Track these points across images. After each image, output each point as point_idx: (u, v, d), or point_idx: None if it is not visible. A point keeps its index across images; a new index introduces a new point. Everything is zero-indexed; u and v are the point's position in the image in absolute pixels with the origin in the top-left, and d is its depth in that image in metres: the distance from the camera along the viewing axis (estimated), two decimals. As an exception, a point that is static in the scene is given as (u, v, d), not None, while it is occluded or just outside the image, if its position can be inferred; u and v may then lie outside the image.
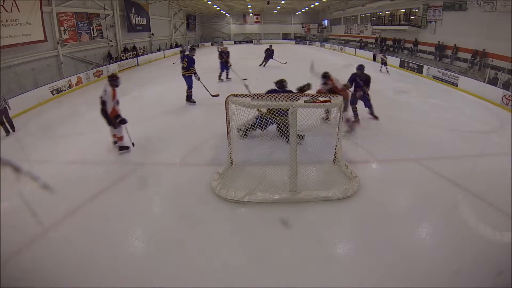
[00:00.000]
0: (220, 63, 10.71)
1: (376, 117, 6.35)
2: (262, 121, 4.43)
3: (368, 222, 3.22)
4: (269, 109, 4.26)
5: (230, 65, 10.57)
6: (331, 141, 4.32)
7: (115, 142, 5.04)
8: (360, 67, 6.11)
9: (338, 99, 3.89)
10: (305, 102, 3.96)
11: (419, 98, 8.90)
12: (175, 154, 4.89)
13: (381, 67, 13.65)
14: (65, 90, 10.11)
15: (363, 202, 3.56)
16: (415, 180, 4.12)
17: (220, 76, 10.78)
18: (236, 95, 3.83)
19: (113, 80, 4.64)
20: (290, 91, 5.01)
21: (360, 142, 5.24)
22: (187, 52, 7.61)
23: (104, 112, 4.56)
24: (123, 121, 4.76)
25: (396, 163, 4.64)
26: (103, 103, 4.52)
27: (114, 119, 4.67)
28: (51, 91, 9.40)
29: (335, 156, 4.32)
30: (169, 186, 3.97)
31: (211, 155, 4.78)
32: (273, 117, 4.14)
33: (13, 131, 6.26)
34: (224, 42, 34.48)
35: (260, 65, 14.45)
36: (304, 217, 3.28)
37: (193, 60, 7.46)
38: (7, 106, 6.29)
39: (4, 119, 6.19)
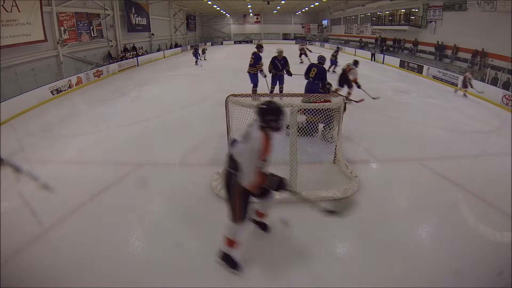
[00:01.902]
0: (273, 76, 7.39)
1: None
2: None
3: (368, 222, 3.22)
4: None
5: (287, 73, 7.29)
6: (333, 141, 4.31)
7: (256, 222, 2.97)
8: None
9: (338, 99, 3.89)
10: (305, 102, 3.96)
11: (419, 98, 8.90)
12: (175, 154, 4.89)
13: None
14: (65, 90, 10.12)
15: (363, 202, 3.55)
16: (415, 180, 4.11)
17: (272, 91, 7.54)
18: (236, 95, 3.83)
19: (267, 118, 2.20)
20: (323, 68, 6.25)
21: (360, 142, 5.24)
22: (254, 50, 7.31)
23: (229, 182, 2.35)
24: (282, 185, 2.39)
25: (396, 163, 4.64)
26: (232, 162, 2.30)
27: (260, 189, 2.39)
28: (51, 91, 9.41)
29: (335, 156, 4.32)
30: (169, 186, 3.96)
31: (211, 155, 4.78)
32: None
33: None
34: (224, 42, 34.54)
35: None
36: (304, 217, 3.28)
37: (260, 57, 7.24)
38: None
39: None
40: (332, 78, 7.50)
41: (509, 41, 10.17)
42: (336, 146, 4.26)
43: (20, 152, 5.26)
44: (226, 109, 3.98)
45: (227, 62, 17.14)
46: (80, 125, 6.66)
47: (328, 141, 4.79)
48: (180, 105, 7.88)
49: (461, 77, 10.05)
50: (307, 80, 6.30)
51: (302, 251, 2.81)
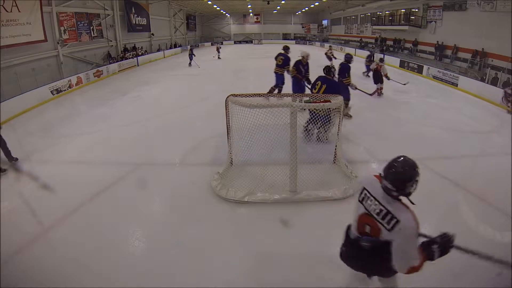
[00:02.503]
0: (295, 80, 6.87)
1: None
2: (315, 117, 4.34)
3: (368, 222, 3.22)
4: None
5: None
6: (331, 141, 4.31)
7: None
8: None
9: (338, 99, 3.89)
10: (305, 102, 3.96)
11: (419, 98, 8.90)
12: (175, 154, 4.89)
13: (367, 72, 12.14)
14: (65, 90, 10.11)
15: (363, 202, 3.55)
16: (415, 180, 4.11)
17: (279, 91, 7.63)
18: (236, 95, 3.83)
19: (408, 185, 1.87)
20: (335, 81, 5.22)
21: (360, 142, 5.24)
22: (281, 51, 7.55)
23: None
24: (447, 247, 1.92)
25: (396, 163, 4.64)
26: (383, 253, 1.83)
27: None
28: (51, 91, 9.40)
29: (335, 156, 4.32)
30: (169, 186, 3.97)
31: (211, 155, 4.78)
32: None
33: (11, 160, 4.63)
34: (224, 42, 34.52)
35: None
36: (304, 217, 3.28)
37: (289, 58, 7.37)
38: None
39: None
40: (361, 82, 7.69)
41: (509, 41, 10.16)
42: (336, 146, 4.26)
43: (20, 152, 5.27)
44: (226, 109, 3.98)
45: (227, 62, 17.12)
46: (80, 125, 6.66)
47: (323, 141, 4.80)
48: (180, 105, 7.88)
49: (461, 77, 10.07)
50: None
51: (302, 251, 2.81)
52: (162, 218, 3.39)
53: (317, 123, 4.49)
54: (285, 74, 7.40)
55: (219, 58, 18.78)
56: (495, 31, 10.98)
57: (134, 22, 18.26)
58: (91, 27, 13.99)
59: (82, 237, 3.02)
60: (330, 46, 18.35)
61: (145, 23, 19.99)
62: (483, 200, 3.59)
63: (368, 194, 1.77)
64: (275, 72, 7.49)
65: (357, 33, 25.13)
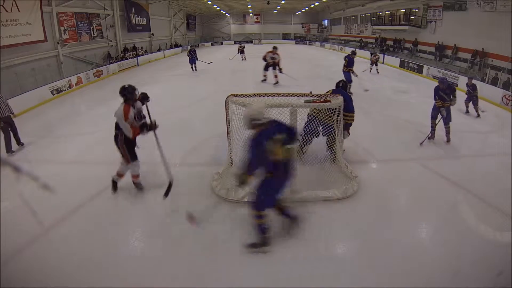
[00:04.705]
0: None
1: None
2: (313, 122, 4.04)
3: (368, 222, 3.22)
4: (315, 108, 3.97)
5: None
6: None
7: (136, 185, 3.89)
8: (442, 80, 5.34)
9: (338, 99, 3.89)
10: (305, 102, 3.95)
11: (419, 98, 8.89)
12: (175, 154, 4.88)
13: (371, 67, 12.91)
14: (65, 90, 10.12)
15: (363, 202, 3.56)
16: (415, 180, 4.11)
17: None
18: (236, 95, 3.83)
19: (123, 93, 3.60)
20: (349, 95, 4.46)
21: (360, 142, 5.24)
22: (348, 53, 9.36)
23: (116, 140, 3.61)
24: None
25: (396, 163, 4.64)
26: (116, 126, 3.56)
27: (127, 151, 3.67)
28: (51, 91, 9.41)
29: (335, 156, 4.32)
30: (169, 186, 3.96)
31: (211, 155, 4.78)
32: (321, 117, 3.95)
33: (20, 144, 5.41)
34: (224, 42, 34.53)
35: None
36: (304, 217, 3.28)
37: (353, 60, 9.01)
38: (10, 114, 5.38)
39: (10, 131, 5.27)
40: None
41: (509, 41, 10.16)
42: (336, 146, 4.26)
43: (20, 152, 5.27)
44: (226, 109, 3.98)
45: (227, 62, 17.11)
46: (80, 125, 6.66)
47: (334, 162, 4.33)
48: (180, 105, 7.88)
49: (461, 77, 10.05)
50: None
51: (302, 251, 2.81)
52: (162, 218, 3.39)
53: (318, 135, 4.30)
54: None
55: (243, 59, 16.75)
56: (495, 31, 10.98)
57: (134, 22, 18.26)
58: (91, 27, 13.99)
59: (82, 237, 3.02)
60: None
61: (145, 23, 20.00)
62: (483, 200, 3.59)
63: None
64: (343, 71, 9.00)
65: (357, 33, 25.14)
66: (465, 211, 3.48)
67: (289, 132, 2.59)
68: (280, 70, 9.86)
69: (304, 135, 4.18)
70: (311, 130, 4.16)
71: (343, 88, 4.51)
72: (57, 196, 3.43)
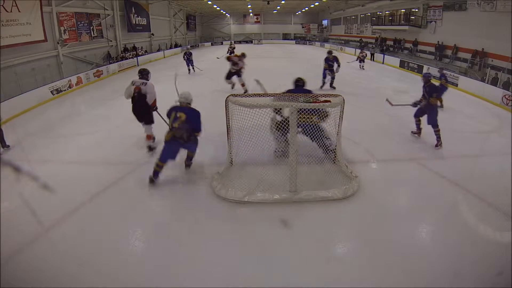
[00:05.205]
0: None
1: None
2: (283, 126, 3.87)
3: (368, 222, 3.22)
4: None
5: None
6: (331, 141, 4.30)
7: (150, 148, 4.93)
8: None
9: (338, 99, 3.89)
10: (305, 101, 3.94)
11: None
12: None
13: (360, 64, 13.74)
14: (65, 90, 10.11)
15: (363, 202, 3.56)
16: (415, 180, 4.12)
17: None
18: (236, 95, 3.83)
19: (146, 74, 4.91)
20: (309, 91, 4.59)
21: (360, 142, 5.24)
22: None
23: (142, 106, 4.72)
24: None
25: (396, 163, 4.64)
26: (142, 96, 4.67)
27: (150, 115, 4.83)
28: (51, 91, 9.40)
29: (335, 156, 4.32)
30: (169, 186, 3.96)
31: (211, 155, 4.78)
32: (300, 119, 3.82)
33: (4, 147, 5.35)
34: (224, 42, 34.52)
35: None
36: (304, 217, 3.28)
37: (330, 59, 9.30)
38: None
39: None
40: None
41: (509, 41, 10.16)
42: (336, 146, 4.26)
43: (20, 152, 5.26)
44: (226, 109, 3.98)
45: (227, 62, 17.07)
46: (80, 125, 6.66)
47: (331, 150, 4.32)
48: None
49: (461, 77, 10.05)
50: None
51: (301, 251, 2.81)
52: (162, 218, 3.40)
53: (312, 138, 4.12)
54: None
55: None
56: (495, 31, 10.98)
57: (134, 22, 18.25)
58: (91, 27, 13.98)
59: (82, 237, 3.02)
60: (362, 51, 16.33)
61: (145, 23, 19.98)
62: (483, 200, 3.59)
63: None
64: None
65: (357, 33, 25.13)
66: (465, 211, 3.48)
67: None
68: (240, 75, 8.88)
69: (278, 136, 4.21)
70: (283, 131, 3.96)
71: (302, 86, 4.73)
72: (57, 196, 3.43)
